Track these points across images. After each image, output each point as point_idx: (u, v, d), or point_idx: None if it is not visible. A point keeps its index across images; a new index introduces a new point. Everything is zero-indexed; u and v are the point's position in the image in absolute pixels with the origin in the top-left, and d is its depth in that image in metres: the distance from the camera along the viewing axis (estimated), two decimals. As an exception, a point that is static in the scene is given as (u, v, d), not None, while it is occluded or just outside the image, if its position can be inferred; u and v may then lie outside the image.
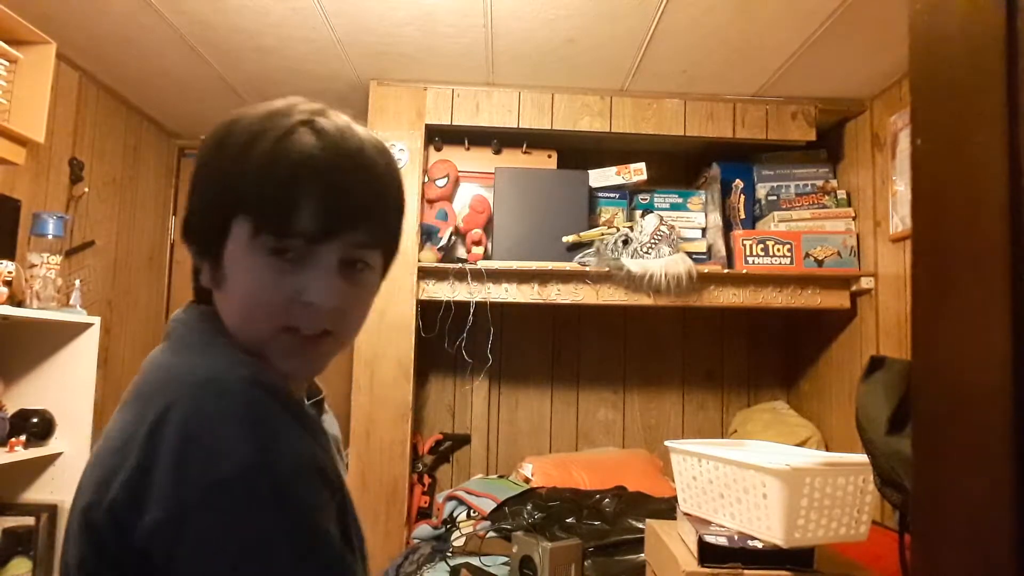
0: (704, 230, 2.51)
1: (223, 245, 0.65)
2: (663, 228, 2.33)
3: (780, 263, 2.33)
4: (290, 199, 0.62)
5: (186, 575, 0.53)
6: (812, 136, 2.43)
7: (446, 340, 2.49)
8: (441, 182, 2.40)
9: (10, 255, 1.93)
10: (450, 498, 2.27)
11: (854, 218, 2.41)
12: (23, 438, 1.88)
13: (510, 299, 2.34)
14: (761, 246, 2.35)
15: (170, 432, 0.55)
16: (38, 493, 2.01)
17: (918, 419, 0.42)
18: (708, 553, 1.35)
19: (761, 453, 1.50)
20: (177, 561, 0.53)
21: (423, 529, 2.25)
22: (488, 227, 2.40)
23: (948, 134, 0.41)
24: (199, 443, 0.55)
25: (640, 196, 2.53)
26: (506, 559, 1.95)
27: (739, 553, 1.34)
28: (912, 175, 0.43)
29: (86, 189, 2.43)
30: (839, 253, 2.35)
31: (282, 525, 0.55)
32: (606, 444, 2.81)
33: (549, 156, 2.50)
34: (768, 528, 1.32)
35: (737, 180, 2.53)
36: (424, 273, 2.33)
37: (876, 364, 1.27)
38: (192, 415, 0.56)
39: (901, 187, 2.16)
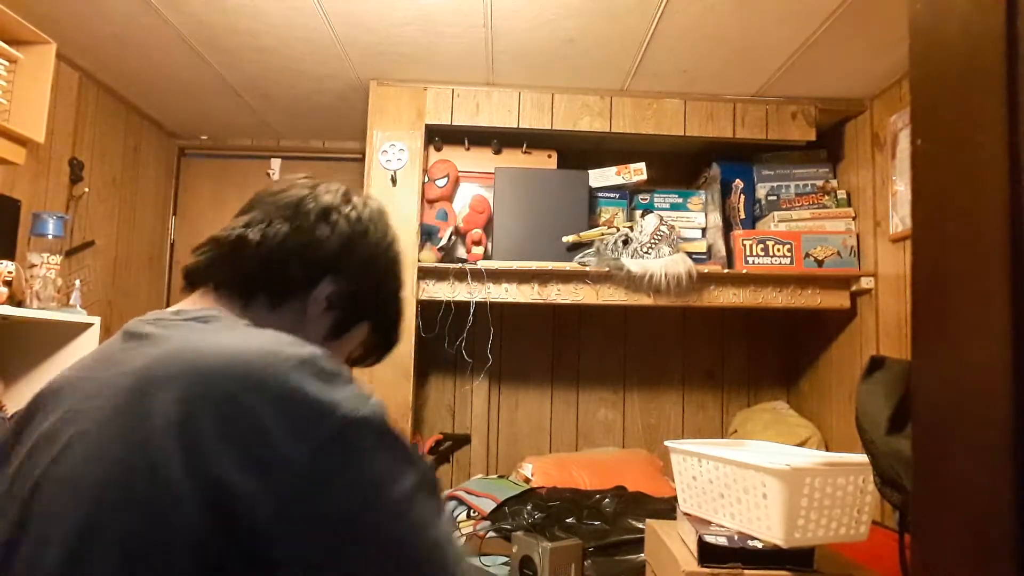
0: (704, 230, 2.51)
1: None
2: (663, 228, 2.33)
3: (780, 263, 2.33)
4: None
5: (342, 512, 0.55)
6: (812, 136, 2.43)
7: (446, 340, 2.49)
8: (441, 182, 2.40)
9: (10, 255, 1.93)
10: (450, 498, 2.27)
11: (854, 218, 2.42)
12: (23, 438, 1.88)
13: (510, 299, 2.34)
14: (761, 246, 2.35)
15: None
16: (38, 493, 2.01)
17: (918, 419, 0.42)
18: (708, 553, 1.35)
19: (761, 453, 1.50)
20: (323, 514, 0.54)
21: (423, 529, 2.24)
22: (488, 227, 2.40)
23: (948, 134, 0.41)
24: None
25: (640, 196, 2.54)
26: (506, 559, 1.95)
27: (739, 553, 1.34)
28: (912, 175, 0.43)
29: (86, 189, 2.43)
30: (839, 253, 2.35)
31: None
32: (606, 444, 2.81)
33: (549, 156, 2.50)
34: (768, 528, 1.32)
35: (737, 180, 2.53)
36: (424, 273, 2.33)
37: (876, 364, 1.27)
38: None
39: (901, 187, 2.16)
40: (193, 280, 0.78)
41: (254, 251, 0.76)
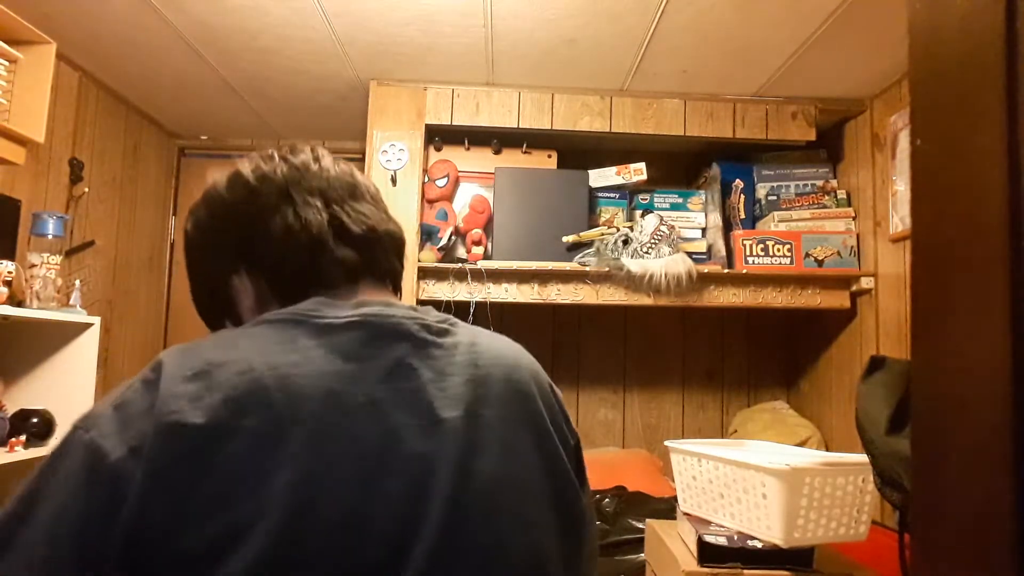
0: (704, 230, 2.51)
1: None
2: (663, 228, 2.33)
3: (780, 263, 2.34)
4: None
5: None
6: (812, 136, 2.43)
7: (446, 340, 2.49)
8: (441, 182, 2.40)
9: (10, 255, 1.93)
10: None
11: (854, 218, 2.42)
12: (23, 438, 1.88)
13: (510, 299, 2.34)
14: (761, 246, 2.35)
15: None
16: (38, 493, 2.01)
17: (918, 419, 0.42)
18: (708, 553, 1.36)
19: (761, 453, 1.51)
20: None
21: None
22: (488, 227, 2.40)
23: (948, 134, 0.41)
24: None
25: (640, 196, 2.54)
26: (506, 559, 1.94)
27: (739, 553, 1.34)
28: (912, 175, 0.43)
29: (86, 189, 2.43)
30: (839, 253, 2.35)
31: None
32: (606, 444, 2.81)
33: (549, 156, 2.50)
34: (768, 528, 1.32)
35: (737, 180, 2.53)
36: (424, 273, 2.33)
37: (876, 364, 1.28)
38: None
39: (901, 187, 2.16)
40: (390, 278, 0.78)
41: (397, 243, 0.78)
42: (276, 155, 0.76)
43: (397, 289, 0.79)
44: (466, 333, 0.71)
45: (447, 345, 0.68)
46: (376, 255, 0.74)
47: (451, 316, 0.73)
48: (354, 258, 0.72)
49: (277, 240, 0.71)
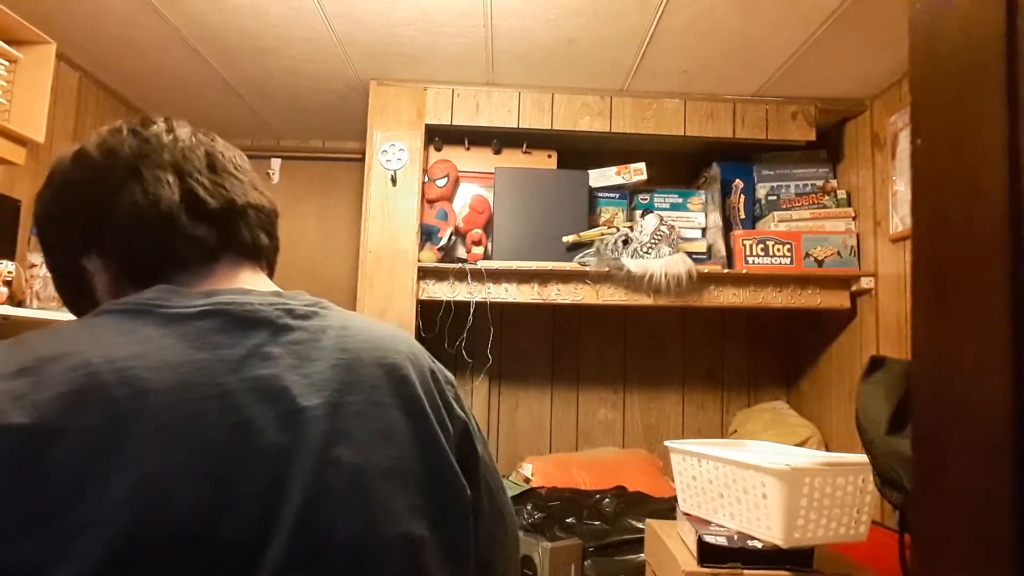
0: (704, 230, 2.51)
1: None
2: (663, 228, 2.33)
3: (780, 263, 2.34)
4: None
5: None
6: (812, 136, 2.43)
7: (446, 340, 2.49)
8: (441, 182, 2.40)
9: (10, 255, 1.93)
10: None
11: (854, 218, 2.42)
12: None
13: (510, 299, 2.34)
14: (761, 246, 2.35)
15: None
16: (38, 493, 2.01)
17: (918, 419, 0.42)
18: (708, 553, 1.36)
19: (761, 453, 1.51)
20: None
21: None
22: (488, 227, 2.40)
23: (948, 134, 0.41)
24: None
25: (640, 196, 2.54)
26: (506, 559, 1.94)
27: (739, 553, 1.34)
28: (912, 175, 0.43)
29: (86, 189, 2.43)
30: (839, 253, 2.35)
31: None
32: (606, 444, 2.81)
33: (549, 156, 2.50)
34: (768, 528, 1.32)
35: (737, 180, 2.53)
36: (424, 273, 2.33)
37: (876, 364, 1.28)
38: None
39: (901, 187, 2.16)
40: (256, 256, 0.73)
41: (265, 216, 0.74)
42: (125, 128, 0.71)
43: (270, 264, 0.75)
44: (337, 317, 0.67)
45: (312, 329, 0.64)
46: (237, 230, 0.70)
47: (324, 300, 0.69)
48: (210, 235, 0.68)
49: (125, 219, 0.66)
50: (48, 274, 1.90)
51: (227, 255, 0.69)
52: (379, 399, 0.63)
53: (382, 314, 2.26)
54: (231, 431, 0.54)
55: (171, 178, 0.67)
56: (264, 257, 0.74)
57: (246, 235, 0.71)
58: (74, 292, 0.72)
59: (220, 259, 0.69)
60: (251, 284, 0.70)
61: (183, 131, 0.72)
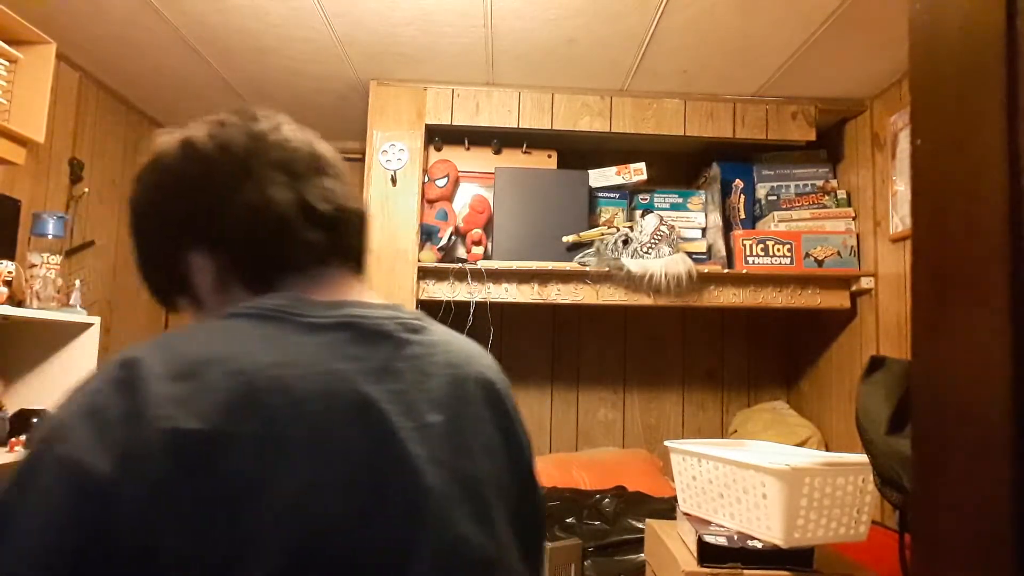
0: (704, 230, 2.51)
1: None
2: (663, 228, 2.33)
3: (780, 263, 2.33)
4: None
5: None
6: (812, 136, 2.43)
7: (446, 340, 2.49)
8: (441, 182, 2.40)
9: (10, 255, 1.93)
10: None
11: (854, 218, 2.42)
12: (23, 438, 1.88)
13: (510, 299, 2.34)
14: (761, 246, 2.35)
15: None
16: (38, 493, 2.01)
17: (918, 419, 0.42)
18: (708, 553, 1.36)
19: (761, 453, 1.50)
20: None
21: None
22: (488, 227, 2.40)
23: (948, 134, 0.41)
24: None
25: (640, 196, 2.54)
26: (506, 559, 1.94)
27: (739, 553, 1.34)
28: (912, 175, 0.43)
29: (86, 189, 2.43)
30: (839, 253, 2.35)
31: None
32: (606, 444, 2.81)
33: (549, 156, 2.50)
34: (768, 528, 1.32)
35: (737, 180, 2.53)
36: (424, 273, 2.33)
37: (876, 364, 1.28)
38: None
39: (901, 187, 2.16)
40: (357, 261, 0.72)
41: (364, 221, 0.74)
42: (233, 121, 0.69)
43: (363, 270, 0.75)
44: (439, 332, 0.69)
45: (425, 344, 0.65)
46: (344, 235, 0.70)
47: (421, 312, 0.70)
48: (323, 239, 0.67)
49: (240, 220, 0.65)
50: (46, 275, 1.90)
51: (334, 260, 0.69)
52: (481, 414, 0.66)
53: (382, 314, 2.26)
54: (375, 440, 0.56)
55: (283, 179, 0.66)
56: (362, 261, 0.73)
57: (350, 240, 0.71)
58: (165, 281, 0.71)
59: (328, 264, 0.68)
60: (361, 294, 0.70)
61: (287, 129, 0.70)
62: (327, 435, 0.54)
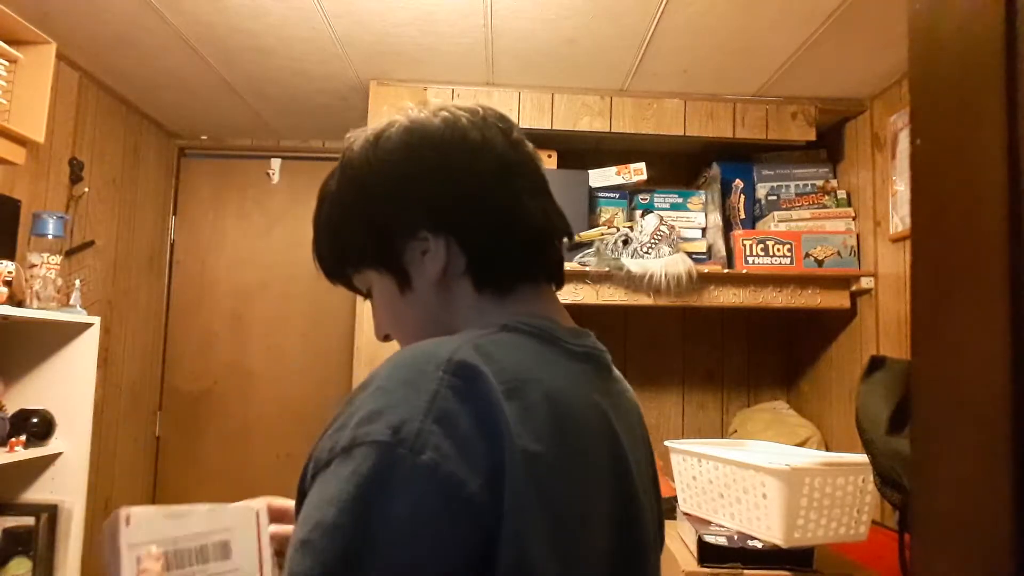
0: (704, 230, 2.51)
1: None
2: (663, 228, 2.33)
3: (780, 263, 2.33)
4: None
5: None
6: (812, 136, 2.43)
7: (446, 340, 2.49)
8: (441, 182, 2.40)
9: (10, 255, 1.93)
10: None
11: (854, 218, 2.41)
12: (23, 438, 1.88)
13: (510, 299, 2.34)
14: (761, 246, 2.35)
15: None
16: (38, 493, 2.02)
17: (918, 419, 0.42)
18: (708, 553, 1.36)
19: (761, 453, 1.50)
20: None
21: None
22: (488, 227, 2.40)
23: (948, 134, 0.41)
24: None
25: (640, 196, 2.53)
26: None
27: (739, 553, 1.34)
28: (912, 175, 0.43)
29: (86, 189, 2.43)
30: (839, 253, 2.35)
31: None
32: (606, 444, 2.81)
33: (549, 156, 2.50)
34: (768, 528, 1.32)
35: (737, 180, 2.53)
36: (424, 273, 2.33)
37: (876, 364, 1.28)
38: None
39: (901, 187, 2.16)
40: (560, 280, 0.72)
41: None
42: (491, 120, 0.67)
43: (561, 286, 0.76)
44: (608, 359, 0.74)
45: (617, 378, 0.72)
46: (555, 252, 0.70)
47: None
48: (546, 255, 0.68)
49: (497, 222, 0.64)
50: (46, 275, 1.90)
51: (544, 276, 0.69)
52: (647, 444, 0.73)
53: (382, 314, 2.26)
54: (618, 477, 0.61)
55: (531, 190, 0.66)
56: (563, 278, 0.73)
57: (557, 259, 0.71)
58: (369, 250, 0.67)
59: (542, 281, 0.69)
60: (560, 311, 0.70)
61: (528, 144, 0.70)
62: (603, 462, 0.59)
